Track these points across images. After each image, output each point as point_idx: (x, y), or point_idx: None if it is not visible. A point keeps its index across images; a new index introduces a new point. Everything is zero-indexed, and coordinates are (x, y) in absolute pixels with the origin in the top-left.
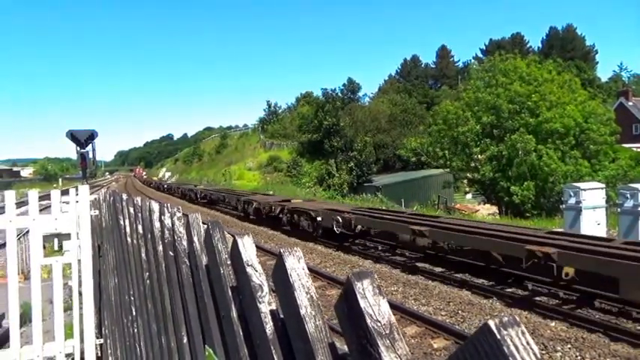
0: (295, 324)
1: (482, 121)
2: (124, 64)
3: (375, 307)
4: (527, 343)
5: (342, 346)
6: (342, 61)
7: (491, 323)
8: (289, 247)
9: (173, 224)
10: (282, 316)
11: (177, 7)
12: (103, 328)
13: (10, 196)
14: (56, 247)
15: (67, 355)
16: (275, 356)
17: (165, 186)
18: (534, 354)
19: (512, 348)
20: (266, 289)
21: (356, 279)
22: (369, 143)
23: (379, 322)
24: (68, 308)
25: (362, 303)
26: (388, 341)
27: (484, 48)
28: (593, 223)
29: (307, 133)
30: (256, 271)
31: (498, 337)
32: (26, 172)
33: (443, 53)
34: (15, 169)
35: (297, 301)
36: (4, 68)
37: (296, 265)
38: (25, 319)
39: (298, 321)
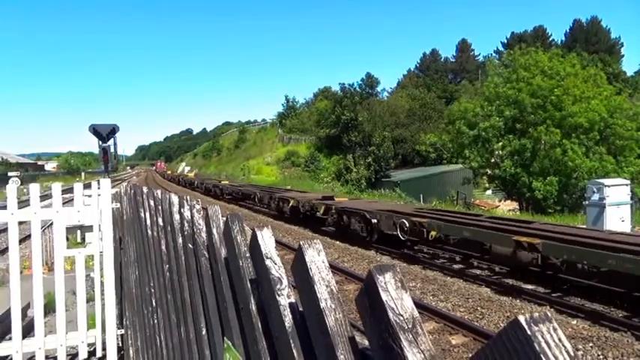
0: (315, 317)
1: (505, 115)
2: (145, 60)
3: (398, 300)
4: (560, 339)
5: (362, 340)
6: (361, 56)
7: (522, 318)
8: (308, 239)
9: (192, 217)
10: (301, 309)
11: (197, 5)
12: (124, 319)
13: (34, 189)
14: (79, 239)
15: (89, 345)
16: (294, 349)
17: (226, 190)
18: (567, 351)
19: (544, 345)
20: (285, 281)
21: (378, 272)
22: (387, 138)
23: (402, 316)
24: (90, 299)
25: (384, 296)
26: (411, 336)
27: (505, 42)
28: (617, 219)
29: (325, 128)
30: (275, 263)
31: (529, 333)
32: (50, 166)
33: (463, 47)
34: (39, 162)
35: (317, 294)
36: (30, 66)
37: (316, 257)
38: (49, 309)
39: (318, 314)
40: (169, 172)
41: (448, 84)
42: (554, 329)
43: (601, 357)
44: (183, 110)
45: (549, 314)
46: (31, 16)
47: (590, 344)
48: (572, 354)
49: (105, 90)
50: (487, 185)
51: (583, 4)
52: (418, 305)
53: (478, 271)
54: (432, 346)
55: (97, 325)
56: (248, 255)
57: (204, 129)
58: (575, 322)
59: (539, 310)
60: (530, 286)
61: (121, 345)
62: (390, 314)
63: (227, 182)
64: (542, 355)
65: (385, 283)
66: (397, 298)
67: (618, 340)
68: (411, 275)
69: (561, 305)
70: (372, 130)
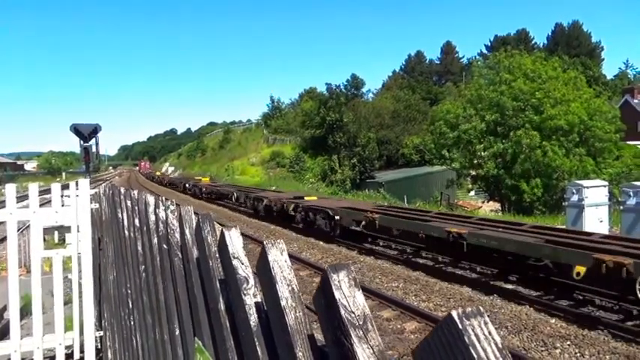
0: (276, 315)
1: (486, 119)
2: (128, 59)
3: (350, 298)
4: (490, 333)
5: (323, 338)
6: (346, 57)
7: (454, 313)
8: (273, 238)
9: (167, 217)
10: (266, 308)
11: (182, 4)
12: (103, 321)
13: (10, 189)
14: (57, 240)
15: (67, 347)
16: (258, 347)
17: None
18: (495, 344)
19: (474, 338)
20: (252, 281)
21: (332, 271)
22: (372, 139)
23: (353, 313)
24: (69, 301)
25: (337, 294)
26: (361, 332)
27: (489, 44)
28: (596, 220)
29: (310, 129)
30: (242, 263)
31: (460, 327)
32: (30, 166)
33: (447, 49)
34: (19, 162)
35: (279, 293)
36: (9, 63)
37: (278, 257)
38: (26, 311)
39: (279, 312)
40: (158, 173)
41: (433, 86)
42: (485, 323)
43: (578, 355)
44: (167, 110)
45: (481, 309)
46: (9, 13)
47: (568, 342)
48: (500, 346)
49: (87, 89)
50: (470, 186)
51: (565, 9)
52: (400, 305)
53: (459, 272)
54: (381, 341)
55: (75, 327)
56: (217, 255)
57: (189, 129)
58: (553, 320)
59: (473, 306)
60: (510, 286)
61: (99, 347)
62: (342, 311)
63: (343, 204)
64: (471, 348)
65: (339, 281)
66: (350, 295)
67: (595, 339)
68: (394, 275)
69: (540, 304)
70: (357, 131)
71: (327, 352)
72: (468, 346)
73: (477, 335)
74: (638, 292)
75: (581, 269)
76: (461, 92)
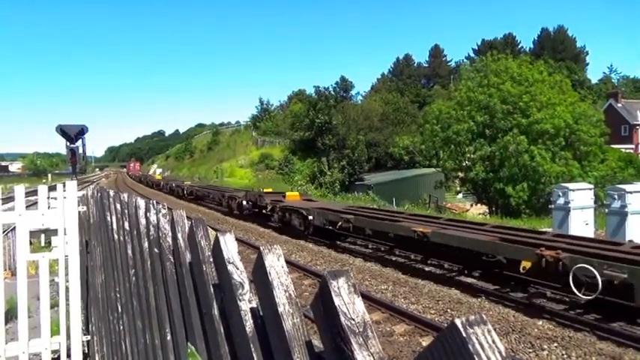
0: (273, 322)
1: (476, 121)
2: (115, 59)
3: (350, 305)
4: (493, 341)
5: (320, 344)
6: (336, 60)
7: (458, 321)
8: (269, 244)
9: (158, 221)
10: (262, 313)
11: (170, 3)
12: (90, 325)
13: None
14: (43, 244)
15: (54, 352)
16: (254, 354)
17: None
18: (499, 352)
19: (478, 346)
20: (247, 286)
21: (331, 277)
22: (361, 142)
23: (353, 320)
24: (55, 305)
25: (337, 301)
26: (361, 339)
27: (476, 48)
28: (582, 223)
29: (299, 131)
30: (237, 268)
31: (464, 335)
32: (15, 167)
33: (436, 53)
34: (3, 163)
35: (276, 299)
36: None
37: (275, 262)
38: (11, 315)
39: (276, 319)
40: (159, 177)
41: (421, 89)
42: (489, 331)
43: (565, 356)
44: (155, 111)
45: (484, 317)
46: None
47: (555, 344)
48: (504, 354)
49: (74, 89)
50: (458, 189)
51: (551, 14)
52: (390, 308)
53: (447, 274)
54: (381, 348)
55: (62, 331)
56: (212, 260)
57: (177, 130)
58: (540, 322)
59: (475, 313)
60: (495, 287)
61: (87, 351)
62: (342, 318)
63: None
64: (475, 356)
65: (338, 288)
66: (349, 302)
67: (581, 340)
68: (383, 278)
69: (527, 306)
70: (346, 133)
71: (326, 358)
72: (473, 354)
73: (480, 344)
74: (571, 282)
75: (526, 264)
76: (450, 94)
